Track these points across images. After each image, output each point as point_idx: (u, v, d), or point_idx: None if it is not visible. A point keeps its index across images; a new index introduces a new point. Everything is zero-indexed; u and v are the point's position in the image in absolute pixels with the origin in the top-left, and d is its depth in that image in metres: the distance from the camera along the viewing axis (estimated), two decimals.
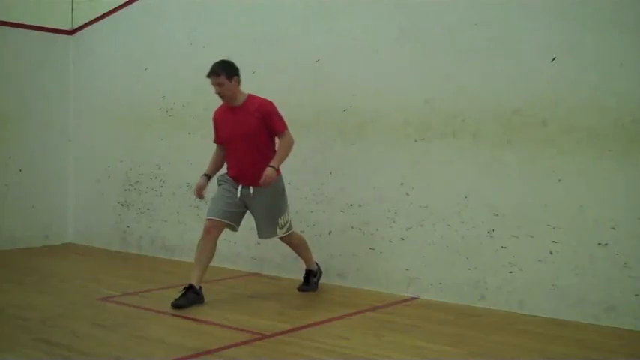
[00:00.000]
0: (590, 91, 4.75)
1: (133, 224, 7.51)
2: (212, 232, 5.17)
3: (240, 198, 5.23)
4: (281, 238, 5.48)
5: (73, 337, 4.28)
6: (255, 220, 5.36)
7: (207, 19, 6.91)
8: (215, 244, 5.21)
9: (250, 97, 5.25)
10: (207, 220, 5.22)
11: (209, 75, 5.14)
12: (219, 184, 5.34)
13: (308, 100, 6.11)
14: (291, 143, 5.25)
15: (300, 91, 6.16)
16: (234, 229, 5.36)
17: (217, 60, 5.20)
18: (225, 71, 5.12)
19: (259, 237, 5.43)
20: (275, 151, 5.26)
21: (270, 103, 5.25)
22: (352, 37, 5.87)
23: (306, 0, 6.19)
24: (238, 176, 5.23)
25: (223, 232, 5.29)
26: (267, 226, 5.32)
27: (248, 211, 5.35)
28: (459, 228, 5.30)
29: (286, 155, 5.24)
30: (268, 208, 5.27)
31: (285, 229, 5.37)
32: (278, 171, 5.18)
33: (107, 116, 7.78)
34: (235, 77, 5.17)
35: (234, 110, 5.21)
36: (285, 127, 5.23)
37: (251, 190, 5.20)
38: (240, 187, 5.21)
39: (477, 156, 5.23)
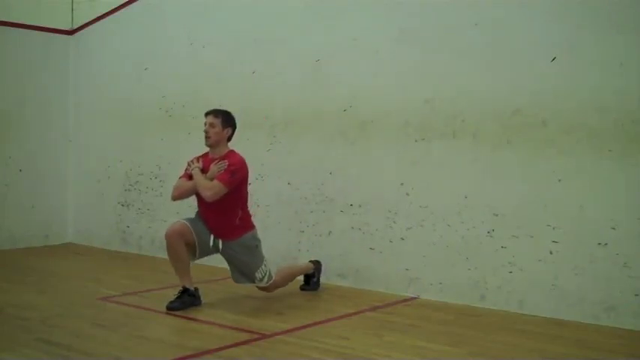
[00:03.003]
0: (590, 91, 4.75)
1: (133, 224, 7.51)
2: (175, 237, 4.94)
3: (212, 246, 5.08)
4: (262, 289, 5.29)
5: (73, 337, 4.28)
6: (228, 265, 5.21)
7: (207, 19, 6.91)
8: (183, 246, 4.95)
9: (229, 153, 5.10)
10: (174, 223, 5.03)
11: (207, 113, 5.11)
12: (196, 216, 5.18)
13: (308, 100, 6.11)
14: (212, 188, 4.90)
15: (300, 91, 6.16)
16: (193, 253, 5.06)
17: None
18: (222, 118, 5.09)
19: (234, 281, 5.24)
20: (243, 208, 5.11)
21: (238, 161, 5.04)
22: (352, 37, 5.87)
23: (306, 0, 6.19)
24: (207, 224, 5.08)
25: None
26: (243, 277, 5.19)
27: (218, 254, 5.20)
28: (459, 228, 5.30)
29: (201, 185, 4.94)
30: (242, 263, 5.13)
31: (265, 280, 5.18)
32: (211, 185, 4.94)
33: (107, 116, 7.78)
34: (228, 129, 5.10)
35: (209, 160, 5.10)
36: (223, 180, 4.91)
37: (220, 243, 5.08)
38: (211, 237, 5.06)
39: (476, 156, 5.23)
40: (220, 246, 5.09)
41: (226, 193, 4.94)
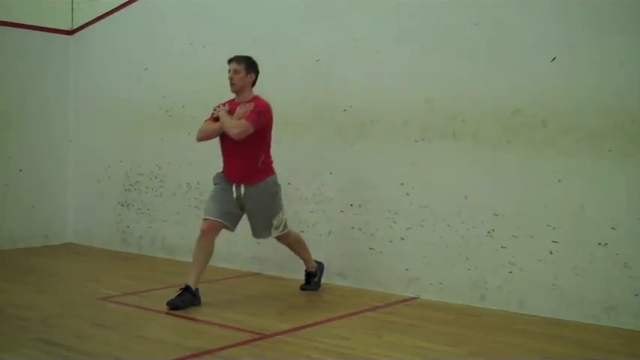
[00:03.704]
0: (590, 91, 4.75)
1: (133, 224, 7.51)
2: (209, 232, 5.14)
3: (235, 198, 5.21)
4: (277, 238, 5.47)
5: (73, 337, 4.28)
6: (249, 219, 5.33)
7: (207, 19, 6.92)
8: (212, 245, 5.18)
9: (255, 98, 5.24)
10: (204, 220, 5.19)
11: (231, 60, 5.22)
12: (214, 184, 5.31)
13: (308, 100, 6.12)
14: (239, 126, 5.00)
15: (300, 91, 6.16)
16: (230, 229, 5.31)
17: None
18: (246, 63, 5.21)
19: (253, 236, 5.43)
20: (266, 152, 5.24)
21: (264, 104, 5.19)
22: (352, 37, 5.87)
23: (306, 0, 6.19)
24: (229, 172, 5.21)
25: (223, 232, 5.28)
26: (261, 226, 5.31)
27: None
28: (459, 228, 5.30)
29: (227, 124, 5.03)
30: (261, 209, 5.24)
31: (280, 228, 5.34)
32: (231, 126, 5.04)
33: (107, 116, 7.78)
34: (252, 74, 5.24)
35: (235, 105, 5.22)
36: (251, 120, 5.02)
37: (242, 189, 5.18)
38: (234, 187, 5.18)
39: (476, 156, 5.23)
40: (242, 191, 5.15)
41: (251, 136, 5.04)
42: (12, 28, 7.55)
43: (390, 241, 5.66)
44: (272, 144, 5.33)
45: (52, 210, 7.96)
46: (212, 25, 6.86)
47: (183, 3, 7.13)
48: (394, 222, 5.63)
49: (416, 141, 5.52)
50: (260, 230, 5.35)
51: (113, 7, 7.66)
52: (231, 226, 5.26)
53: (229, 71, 5.20)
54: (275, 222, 5.29)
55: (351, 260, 5.88)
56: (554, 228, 4.89)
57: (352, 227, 5.87)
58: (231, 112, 5.15)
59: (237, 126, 5.03)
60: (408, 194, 5.57)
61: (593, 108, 4.73)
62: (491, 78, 5.16)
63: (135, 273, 6.45)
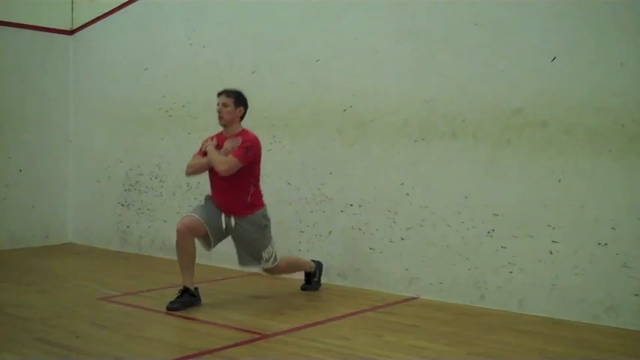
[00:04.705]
0: (590, 91, 4.75)
1: (133, 224, 7.51)
2: (185, 231, 4.99)
3: (224, 229, 5.13)
4: (269, 272, 5.41)
5: (73, 337, 4.28)
6: (236, 249, 5.26)
7: (207, 19, 6.92)
8: (192, 245, 5.05)
9: (243, 132, 5.18)
10: (185, 216, 5.12)
11: (220, 93, 5.18)
12: (205, 201, 5.27)
13: (308, 100, 6.12)
14: (227, 162, 4.98)
15: (300, 91, 6.16)
16: (208, 243, 5.15)
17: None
18: (235, 97, 5.16)
19: (240, 264, 5.30)
20: (255, 185, 5.19)
21: (252, 139, 5.13)
22: (352, 37, 5.87)
23: (306, 0, 6.19)
24: (218, 204, 5.15)
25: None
26: (249, 257, 5.23)
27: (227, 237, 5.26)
28: (459, 228, 5.30)
29: (215, 160, 5.01)
30: (250, 242, 5.18)
31: (271, 261, 5.26)
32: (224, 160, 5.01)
33: (107, 116, 7.78)
34: (241, 108, 5.19)
35: (223, 139, 5.17)
36: (238, 156, 4.99)
37: (232, 221, 5.12)
38: (223, 216, 5.12)
39: (476, 156, 5.23)
40: (233, 223, 5.13)
41: (239, 170, 5.02)
42: (12, 28, 7.55)
43: (390, 241, 5.66)
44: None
45: (52, 210, 7.96)
46: (212, 24, 6.86)
47: (183, 3, 7.13)
48: (394, 222, 5.64)
49: (416, 141, 5.52)
50: (248, 260, 5.24)
51: (113, 7, 7.67)
52: (212, 236, 5.09)
53: (218, 104, 5.15)
54: (265, 255, 5.21)
55: (351, 260, 5.88)
56: (554, 228, 4.89)
57: (352, 227, 5.87)
58: (219, 147, 5.11)
59: (224, 162, 5.00)
60: (408, 194, 5.57)
61: (593, 108, 4.73)
62: (491, 78, 5.16)
63: (135, 273, 6.45)
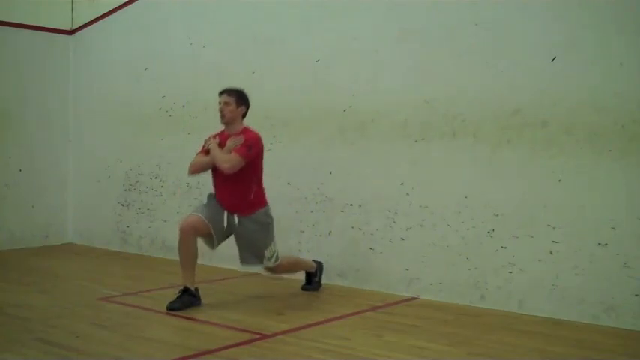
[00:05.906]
0: (590, 91, 4.75)
1: (133, 224, 7.51)
2: (189, 231, 5.00)
3: (226, 226, 5.12)
4: (270, 271, 5.42)
5: (73, 337, 4.28)
6: (238, 248, 5.24)
7: (207, 19, 6.92)
8: (194, 246, 5.05)
9: (245, 130, 5.19)
10: (189, 215, 5.13)
11: (222, 92, 5.19)
12: (208, 199, 5.27)
13: (308, 100, 6.12)
14: (229, 160, 4.98)
15: (300, 91, 6.16)
16: (212, 241, 5.15)
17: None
18: (236, 96, 5.17)
19: (241, 263, 5.29)
20: (258, 184, 5.20)
21: (254, 137, 5.14)
22: (352, 37, 5.87)
23: (306, 0, 6.19)
24: (221, 202, 5.16)
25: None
26: (251, 256, 5.21)
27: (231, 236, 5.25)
28: (459, 228, 5.30)
29: (218, 158, 5.02)
30: (253, 240, 5.17)
31: (273, 259, 5.25)
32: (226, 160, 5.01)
33: (107, 116, 7.78)
34: (242, 107, 5.19)
35: (226, 137, 5.17)
36: (241, 154, 4.99)
37: (235, 219, 5.13)
38: (226, 214, 5.12)
39: (476, 156, 5.23)
40: (236, 221, 5.12)
41: (242, 168, 5.02)
42: (12, 28, 7.55)
43: (390, 241, 5.66)
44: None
45: (52, 210, 7.96)
46: (212, 25, 6.86)
47: (183, 3, 7.13)
48: (394, 222, 5.64)
49: (416, 141, 5.52)
50: (250, 259, 5.23)
51: (113, 7, 7.67)
52: (215, 235, 5.09)
53: (219, 103, 5.15)
54: (267, 253, 5.21)
55: (351, 260, 5.88)
56: (554, 228, 4.89)
57: (352, 227, 5.87)
58: (221, 145, 5.12)
59: (227, 160, 5.00)
60: (408, 194, 5.57)
61: (593, 108, 4.73)
62: (491, 78, 5.16)
63: (135, 273, 6.45)
